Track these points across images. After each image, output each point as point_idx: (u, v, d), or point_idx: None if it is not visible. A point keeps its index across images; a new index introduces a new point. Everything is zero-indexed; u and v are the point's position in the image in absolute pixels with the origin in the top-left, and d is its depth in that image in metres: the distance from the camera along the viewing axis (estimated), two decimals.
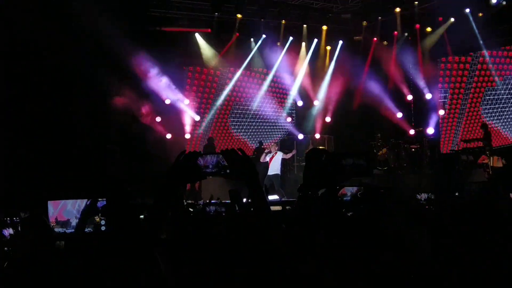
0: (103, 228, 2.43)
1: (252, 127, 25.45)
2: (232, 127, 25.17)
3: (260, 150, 21.00)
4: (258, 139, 24.20)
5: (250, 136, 25.37)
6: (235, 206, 4.69)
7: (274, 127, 25.46)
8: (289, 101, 25.37)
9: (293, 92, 25.11)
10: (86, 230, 2.84)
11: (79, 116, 16.23)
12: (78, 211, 2.45)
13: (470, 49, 23.01)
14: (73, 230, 2.46)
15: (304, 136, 24.25)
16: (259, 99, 24.89)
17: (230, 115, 25.14)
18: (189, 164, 2.97)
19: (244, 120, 25.33)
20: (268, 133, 25.23)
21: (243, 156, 2.93)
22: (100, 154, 17.08)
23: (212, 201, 15.78)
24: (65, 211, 2.44)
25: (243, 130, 25.31)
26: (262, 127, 25.47)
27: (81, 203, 2.46)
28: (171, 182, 2.99)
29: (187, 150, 3.02)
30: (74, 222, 2.40)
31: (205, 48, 23.40)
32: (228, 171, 2.97)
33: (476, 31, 21.66)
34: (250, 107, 25.16)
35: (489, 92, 23.17)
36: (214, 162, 2.98)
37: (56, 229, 2.47)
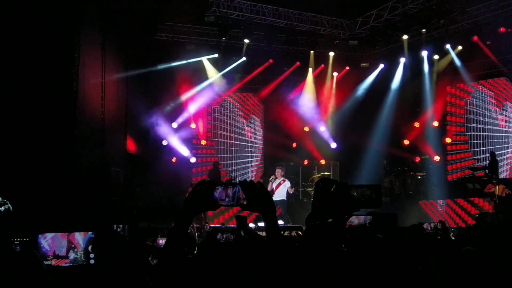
0: (92, 261, 2.40)
1: (255, 152, 25.47)
2: (236, 152, 25.21)
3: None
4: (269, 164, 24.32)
5: (254, 161, 25.39)
6: (241, 232, 4.70)
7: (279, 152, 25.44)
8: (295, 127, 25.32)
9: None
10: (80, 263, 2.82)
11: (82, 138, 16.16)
12: (76, 244, 2.41)
13: (479, 76, 23.03)
14: (71, 264, 2.43)
15: (309, 162, 24.27)
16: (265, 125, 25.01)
17: (235, 140, 25.19)
18: (204, 194, 2.93)
19: (247, 144, 25.40)
20: (272, 158, 25.20)
21: (262, 188, 2.90)
22: (103, 178, 17.08)
23: (216, 226, 15.82)
24: (59, 244, 2.41)
25: (248, 156, 25.33)
26: (266, 152, 25.50)
27: (79, 236, 2.43)
28: (188, 212, 2.99)
29: (198, 177, 3.02)
30: (72, 256, 2.37)
31: (212, 72, 23.58)
32: (245, 202, 2.92)
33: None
34: (254, 132, 25.25)
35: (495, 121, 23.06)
36: (231, 194, 2.93)
37: (52, 263, 2.44)
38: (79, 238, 2.51)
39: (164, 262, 2.87)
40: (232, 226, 15.55)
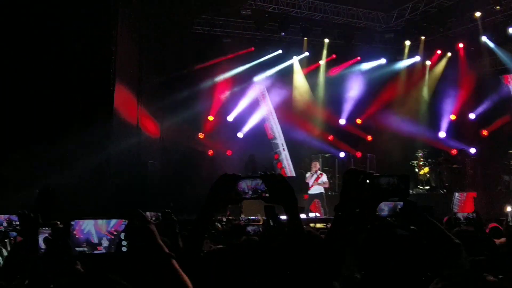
0: (124, 249, 2.47)
1: (288, 146, 25.44)
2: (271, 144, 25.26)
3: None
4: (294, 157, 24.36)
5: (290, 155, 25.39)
6: (270, 222, 4.74)
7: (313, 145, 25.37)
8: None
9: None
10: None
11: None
12: (107, 232, 2.49)
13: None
14: (104, 251, 2.50)
15: (345, 154, 24.22)
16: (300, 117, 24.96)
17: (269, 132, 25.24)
18: (226, 188, 3.01)
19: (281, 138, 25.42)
20: (306, 151, 25.11)
21: (283, 180, 2.99)
22: (139, 169, 17.28)
23: (252, 217, 15.86)
24: (92, 231, 2.48)
25: (282, 149, 25.35)
26: (299, 145, 25.44)
27: (112, 223, 2.50)
28: (209, 206, 3.05)
29: (226, 171, 3.07)
30: (105, 243, 2.45)
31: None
32: (267, 195, 2.98)
33: None
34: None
35: None
36: (253, 187, 2.98)
37: (85, 250, 2.50)
38: (112, 225, 2.60)
39: (183, 257, 2.96)
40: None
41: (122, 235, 2.54)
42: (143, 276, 2.42)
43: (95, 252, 2.58)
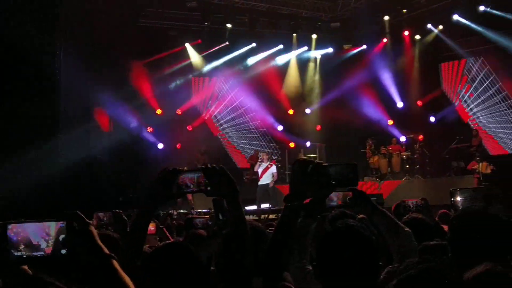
0: (63, 251, 2.40)
1: (244, 137, 25.45)
2: (226, 136, 25.24)
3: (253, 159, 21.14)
4: (252, 148, 24.33)
5: (241, 146, 25.39)
6: (219, 216, 4.72)
7: (266, 136, 25.44)
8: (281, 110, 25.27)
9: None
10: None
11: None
12: (45, 234, 2.42)
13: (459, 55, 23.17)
14: (43, 254, 2.43)
15: (296, 145, 24.34)
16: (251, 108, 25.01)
17: (222, 124, 25.22)
18: (167, 182, 2.97)
19: (235, 129, 25.40)
20: (259, 142, 25.19)
21: (224, 173, 2.94)
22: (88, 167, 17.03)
23: (204, 210, 15.83)
24: (30, 234, 2.40)
25: (234, 140, 25.35)
26: (254, 136, 25.48)
27: (45, 226, 2.43)
28: (149, 201, 3.03)
29: (175, 164, 3.02)
30: (44, 245, 2.38)
31: (195, 58, 23.53)
32: (208, 188, 2.95)
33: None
34: (242, 117, 25.27)
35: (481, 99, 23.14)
36: (195, 180, 2.95)
37: (23, 253, 2.43)
38: (51, 227, 2.52)
39: (124, 252, 2.92)
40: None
41: (61, 237, 2.47)
42: (84, 278, 2.37)
43: (34, 254, 2.50)
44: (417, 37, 23.43)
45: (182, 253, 2.91)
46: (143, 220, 3.02)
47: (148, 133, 22.24)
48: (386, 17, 22.71)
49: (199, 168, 2.98)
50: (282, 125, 25.04)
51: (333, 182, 3.05)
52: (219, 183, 2.93)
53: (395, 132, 23.09)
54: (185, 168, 3.01)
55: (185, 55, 23.40)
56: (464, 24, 21.49)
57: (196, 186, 2.96)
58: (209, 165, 2.99)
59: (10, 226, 2.52)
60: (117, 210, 5.17)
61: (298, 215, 3.08)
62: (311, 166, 3.00)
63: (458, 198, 6.41)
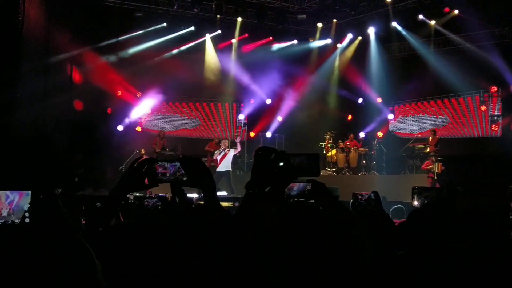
0: (26, 220, 2.39)
1: (205, 125, 25.48)
2: (185, 123, 25.21)
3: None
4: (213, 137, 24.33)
5: (201, 133, 25.41)
6: (175, 199, 4.71)
7: (226, 125, 25.47)
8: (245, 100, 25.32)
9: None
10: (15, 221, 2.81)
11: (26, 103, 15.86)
12: (10, 203, 2.40)
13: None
14: (4, 222, 2.42)
15: (256, 135, 24.41)
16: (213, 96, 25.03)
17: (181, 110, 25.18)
18: (142, 172, 2.96)
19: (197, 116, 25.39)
20: (220, 131, 25.23)
21: (199, 163, 2.95)
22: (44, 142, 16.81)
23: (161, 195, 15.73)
24: None
25: (196, 127, 25.34)
26: (215, 125, 25.51)
27: (13, 194, 2.41)
28: (122, 189, 3.01)
29: (135, 151, 3.03)
30: (5, 213, 2.35)
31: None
32: (184, 178, 2.97)
33: None
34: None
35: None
36: (172, 170, 2.97)
37: None
38: (14, 196, 2.50)
39: (89, 233, 2.91)
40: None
41: (26, 207, 2.46)
42: (47, 247, 2.34)
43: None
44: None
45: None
46: (111, 203, 3.01)
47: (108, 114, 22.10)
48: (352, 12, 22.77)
49: (176, 158, 3.01)
50: (244, 114, 25.11)
51: (295, 172, 3.07)
52: (195, 173, 2.94)
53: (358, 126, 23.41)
54: (159, 157, 3.04)
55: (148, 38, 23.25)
56: None
57: (173, 175, 2.98)
58: (186, 156, 3.00)
59: None
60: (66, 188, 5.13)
61: (258, 203, 3.09)
62: (273, 154, 3.01)
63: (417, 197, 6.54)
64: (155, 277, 2.83)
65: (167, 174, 2.98)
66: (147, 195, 14.16)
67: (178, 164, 2.96)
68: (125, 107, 22.83)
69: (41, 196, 2.39)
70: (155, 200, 5.29)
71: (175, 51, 23.97)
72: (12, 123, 15.20)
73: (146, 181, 3.07)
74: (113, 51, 21.96)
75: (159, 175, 2.98)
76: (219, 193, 16.98)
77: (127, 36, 22.42)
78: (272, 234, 3.34)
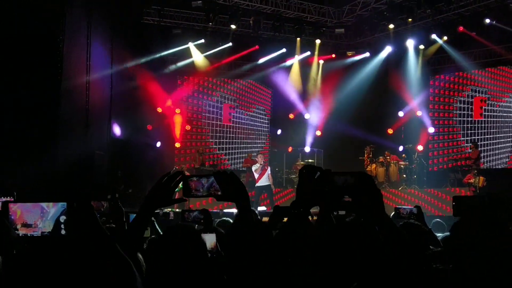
0: (62, 232, 2.41)
1: (237, 139, 25.58)
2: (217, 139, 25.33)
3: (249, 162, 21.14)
4: (246, 151, 24.37)
5: (236, 149, 25.48)
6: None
7: (261, 139, 25.55)
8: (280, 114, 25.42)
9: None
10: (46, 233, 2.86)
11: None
12: (42, 214, 2.44)
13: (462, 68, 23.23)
14: (40, 233, 2.47)
15: (293, 149, 24.37)
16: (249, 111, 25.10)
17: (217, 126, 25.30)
18: (171, 186, 2.98)
19: (229, 131, 25.49)
20: (254, 145, 25.29)
21: (233, 177, 2.93)
22: (86, 161, 16.99)
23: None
24: (28, 213, 2.43)
25: (227, 142, 25.43)
26: (248, 139, 25.60)
27: (47, 207, 2.46)
28: (150, 204, 3.02)
29: (174, 166, 3.03)
30: (41, 225, 2.39)
31: (198, 57, 23.54)
32: (219, 193, 2.95)
33: None
34: (240, 118, 25.36)
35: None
36: (206, 185, 2.97)
37: (20, 232, 2.47)
38: (50, 207, 2.52)
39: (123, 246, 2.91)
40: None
41: (62, 218, 2.46)
42: (84, 258, 2.34)
43: (30, 234, 2.51)
44: (421, 46, 23.39)
45: (191, 236, 2.95)
46: (144, 215, 3.02)
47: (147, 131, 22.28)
48: (391, 25, 22.56)
49: (210, 173, 2.99)
50: (281, 129, 25.18)
51: (341, 191, 3.01)
52: (229, 188, 2.92)
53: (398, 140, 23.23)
54: (189, 173, 3.05)
55: (188, 54, 23.42)
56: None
57: (206, 191, 2.98)
58: (220, 170, 3.00)
59: (11, 204, 2.55)
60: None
61: (303, 222, 3.06)
62: (318, 173, 2.97)
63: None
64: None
65: (201, 189, 2.98)
66: (187, 209, 14.18)
67: (212, 178, 2.96)
68: (164, 124, 22.99)
69: (77, 207, 2.38)
70: (195, 213, 5.27)
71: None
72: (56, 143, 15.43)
73: (177, 195, 3.07)
74: (153, 67, 22.16)
75: (193, 190, 2.98)
76: (259, 208, 16.99)
77: (167, 52, 22.64)
78: (315, 256, 3.30)
